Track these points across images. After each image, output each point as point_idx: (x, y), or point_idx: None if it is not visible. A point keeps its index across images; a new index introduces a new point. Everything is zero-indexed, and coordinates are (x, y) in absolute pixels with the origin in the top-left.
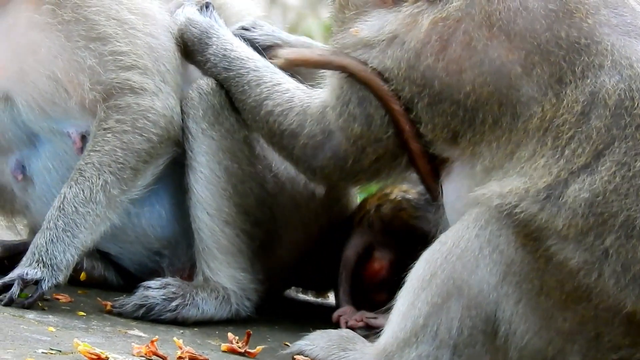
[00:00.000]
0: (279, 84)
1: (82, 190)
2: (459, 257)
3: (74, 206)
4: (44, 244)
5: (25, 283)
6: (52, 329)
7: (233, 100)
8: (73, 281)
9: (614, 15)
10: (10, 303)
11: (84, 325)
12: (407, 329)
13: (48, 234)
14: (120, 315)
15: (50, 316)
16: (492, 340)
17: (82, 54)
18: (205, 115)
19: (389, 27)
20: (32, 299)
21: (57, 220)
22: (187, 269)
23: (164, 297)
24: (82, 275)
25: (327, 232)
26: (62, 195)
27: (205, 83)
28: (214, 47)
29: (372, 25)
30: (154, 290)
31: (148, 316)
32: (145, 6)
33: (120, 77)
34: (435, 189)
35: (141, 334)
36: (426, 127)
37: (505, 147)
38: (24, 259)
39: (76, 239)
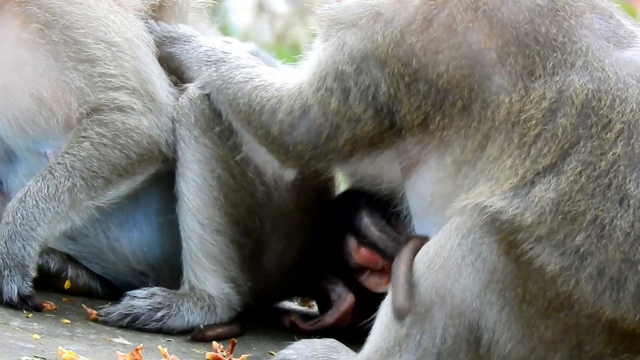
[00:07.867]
0: (271, 70)
1: (47, 187)
2: (442, 266)
3: (36, 200)
4: (4, 244)
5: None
6: (36, 336)
7: (218, 78)
8: (58, 289)
9: (597, 21)
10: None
11: (68, 333)
12: (391, 338)
13: (6, 230)
14: (105, 323)
15: (35, 324)
16: (476, 349)
17: (70, 75)
18: (197, 122)
19: (375, 0)
20: (20, 305)
21: (16, 213)
22: (173, 286)
23: (149, 307)
24: (67, 284)
25: (310, 242)
26: (27, 188)
27: (195, 89)
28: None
29: None
30: (140, 300)
31: (133, 325)
32: (130, 30)
33: (109, 97)
34: None
35: (126, 342)
36: (404, 110)
37: (474, 137)
38: None
39: (34, 231)
